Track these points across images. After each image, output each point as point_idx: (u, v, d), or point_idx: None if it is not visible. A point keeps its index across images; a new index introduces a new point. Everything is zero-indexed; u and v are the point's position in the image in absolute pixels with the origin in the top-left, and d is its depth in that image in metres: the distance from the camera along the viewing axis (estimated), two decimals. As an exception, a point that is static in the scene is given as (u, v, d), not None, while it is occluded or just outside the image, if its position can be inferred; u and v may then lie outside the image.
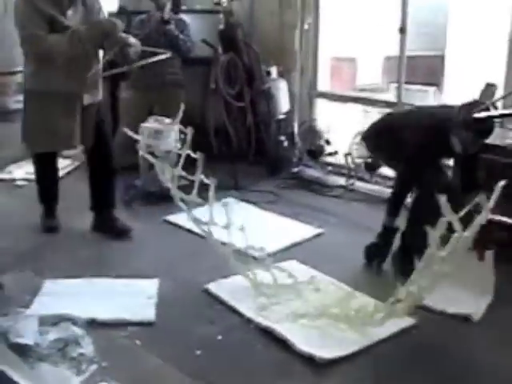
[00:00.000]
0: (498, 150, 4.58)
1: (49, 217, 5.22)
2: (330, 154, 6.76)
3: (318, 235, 5.05)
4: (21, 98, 8.98)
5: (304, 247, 4.84)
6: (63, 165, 7.00)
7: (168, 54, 5.50)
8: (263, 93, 6.65)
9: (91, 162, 5.13)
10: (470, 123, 3.95)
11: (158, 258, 4.63)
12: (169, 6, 6.31)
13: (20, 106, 7.33)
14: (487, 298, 3.94)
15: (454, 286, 3.97)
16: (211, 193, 4.04)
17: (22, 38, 4.53)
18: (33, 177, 5.47)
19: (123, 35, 4.66)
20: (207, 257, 4.31)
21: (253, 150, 6.71)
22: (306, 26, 6.78)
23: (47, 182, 5.22)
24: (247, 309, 3.79)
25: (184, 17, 6.67)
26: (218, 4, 6.81)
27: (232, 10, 6.81)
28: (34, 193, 5.27)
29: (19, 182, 6.52)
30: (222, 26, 6.75)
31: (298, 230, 5.13)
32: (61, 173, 6.72)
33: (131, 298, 3.88)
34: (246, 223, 5.11)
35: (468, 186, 4.25)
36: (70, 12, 4.54)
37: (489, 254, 4.10)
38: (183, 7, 7.07)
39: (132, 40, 4.71)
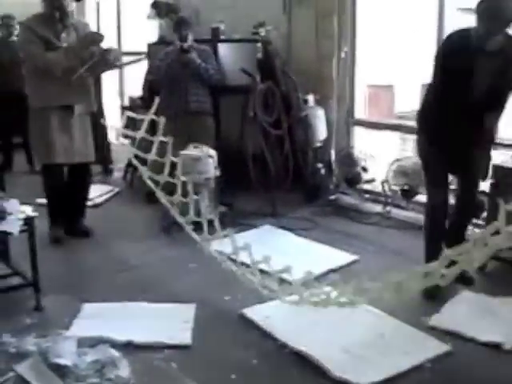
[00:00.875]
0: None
1: (55, 227, 5.61)
2: (367, 182, 6.76)
3: (354, 262, 5.06)
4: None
5: (340, 274, 4.84)
6: (103, 191, 7.16)
7: (142, 57, 6.22)
8: (300, 121, 6.70)
9: (72, 173, 5.67)
10: None
11: (195, 283, 4.68)
12: (190, 36, 6.44)
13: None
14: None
15: (484, 313, 4.00)
16: (217, 227, 4.27)
17: (24, 57, 5.50)
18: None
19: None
20: (243, 283, 4.35)
21: (290, 177, 6.75)
22: (342, 55, 6.84)
23: (54, 194, 5.57)
24: (282, 334, 3.81)
25: (221, 46, 6.85)
26: (257, 33, 6.93)
27: (270, 40, 6.91)
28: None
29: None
30: (260, 55, 6.84)
31: (333, 257, 5.14)
32: (100, 199, 6.91)
33: (168, 322, 3.95)
34: (283, 250, 5.23)
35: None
36: (63, 35, 5.33)
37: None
38: (222, 37, 7.20)
39: (112, 47, 5.52)
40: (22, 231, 4.07)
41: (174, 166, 4.40)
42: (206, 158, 5.85)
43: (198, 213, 4.50)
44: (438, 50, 4.37)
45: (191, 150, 5.90)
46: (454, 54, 4.10)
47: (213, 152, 5.89)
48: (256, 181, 6.57)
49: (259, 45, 6.86)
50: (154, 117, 4.26)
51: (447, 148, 4.32)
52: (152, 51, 7.37)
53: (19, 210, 4.15)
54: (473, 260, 3.25)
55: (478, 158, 4.44)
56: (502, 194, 4.67)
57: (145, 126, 4.31)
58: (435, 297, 4.29)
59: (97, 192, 6.95)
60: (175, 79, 6.37)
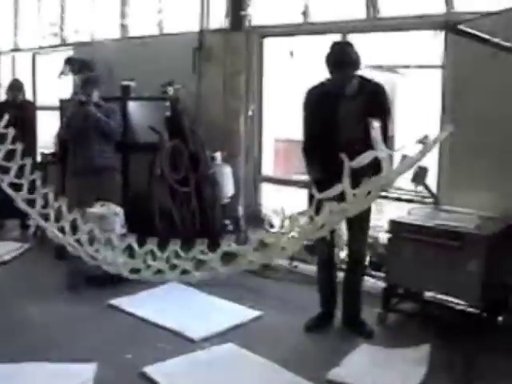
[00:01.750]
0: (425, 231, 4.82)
1: None
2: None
3: (258, 318, 5.15)
4: None
5: (243, 330, 4.93)
6: (12, 247, 7.07)
7: None
8: (208, 178, 6.84)
9: None
10: None
11: (99, 341, 4.66)
12: (96, 93, 6.53)
13: None
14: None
15: (383, 366, 4.16)
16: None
17: None
18: None
19: None
20: (147, 340, 4.39)
21: (197, 233, 6.82)
22: (250, 112, 7.04)
23: None
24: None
25: (131, 103, 6.98)
26: (165, 92, 7.08)
27: (178, 98, 7.06)
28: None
29: None
30: (168, 113, 6.97)
31: (237, 313, 5.22)
32: (8, 256, 6.82)
33: (66, 383, 3.92)
34: (187, 306, 5.30)
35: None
36: None
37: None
38: (132, 94, 7.31)
39: None
40: None
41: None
42: (112, 215, 5.89)
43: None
44: (302, 101, 4.72)
45: (97, 208, 5.94)
46: (314, 103, 4.61)
47: (119, 209, 5.95)
48: (163, 236, 6.60)
49: (168, 103, 7.00)
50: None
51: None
52: (65, 107, 7.39)
53: None
54: (285, 248, 3.11)
55: None
56: (397, 248, 4.95)
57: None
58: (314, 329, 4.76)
59: (4, 249, 6.87)
60: (78, 133, 6.42)
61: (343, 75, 4.43)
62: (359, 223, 4.63)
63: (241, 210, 7.18)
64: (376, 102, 4.52)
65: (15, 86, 7.96)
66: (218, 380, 4.03)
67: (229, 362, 4.30)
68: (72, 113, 6.49)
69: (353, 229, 4.75)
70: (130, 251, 3.30)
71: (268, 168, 7.38)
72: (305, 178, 7.65)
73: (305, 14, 6.49)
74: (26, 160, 3.45)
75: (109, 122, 6.45)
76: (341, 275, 5.26)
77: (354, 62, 4.45)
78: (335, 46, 4.54)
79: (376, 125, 2.89)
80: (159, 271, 3.27)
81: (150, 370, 4.12)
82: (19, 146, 3.45)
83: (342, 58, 4.40)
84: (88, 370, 4.10)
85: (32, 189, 3.50)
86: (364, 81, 4.58)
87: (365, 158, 2.62)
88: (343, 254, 6.09)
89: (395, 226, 5.00)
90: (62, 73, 8.47)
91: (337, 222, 3.08)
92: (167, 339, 4.68)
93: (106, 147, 6.50)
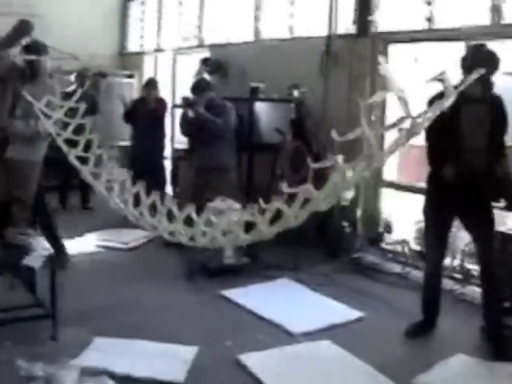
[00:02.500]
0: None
1: None
2: (391, 242, 6.95)
3: (359, 319, 5.24)
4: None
5: (344, 329, 5.04)
6: (139, 235, 7.53)
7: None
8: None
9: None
10: None
11: (204, 327, 4.96)
12: (207, 93, 6.84)
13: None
14: None
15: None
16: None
17: None
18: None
19: None
20: (249, 330, 4.63)
21: (314, 233, 6.99)
22: (373, 117, 7.10)
23: None
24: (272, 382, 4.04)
25: (258, 104, 7.26)
26: (291, 94, 7.30)
27: (303, 101, 7.26)
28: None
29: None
30: (293, 115, 7.19)
31: (339, 312, 5.34)
32: (136, 243, 7.30)
33: (168, 360, 4.23)
34: (293, 302, 5.49)
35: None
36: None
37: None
38: (261, 96, 7.60)
39: None
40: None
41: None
42: (230, 211, 6.17)
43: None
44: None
45: (217, 203, 6.25)
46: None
47: (237, 205, 6.22)
48: (281, 235, 6.82)
49: (293, 105, 7.22)
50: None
51: (453, 203, 4.53)
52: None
53: (43, 248, 4.54)
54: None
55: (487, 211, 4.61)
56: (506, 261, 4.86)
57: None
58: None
59: (132, 236, 7.36)
60: (193, 132, 6.81)
61: (482, 78, 4.25)
62: (484, 233, 4.59)
63: (359, 213, 7.26)
64: (498, 111, 4.47)
65: (150, 84, 8.48)
66: (309, 374, 4.17)
67: (323, 358, 4.42)
68: (183, 113, 6.89)
69: (479, 240, 4.68)
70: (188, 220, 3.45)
71: (390, 173, 7.40)
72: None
73: (429, 20, 6.49)
74: (94, 135, 3.81)
75: (215, 120, 6.68)
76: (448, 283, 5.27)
77: (494, 65, 4.29)
78: (475, 48, 4.47)
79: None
80: (214, 238, 3.45)
81: (245, 357, 4.33)
82: (88, 122, 3.91)
83: (483, 60, 4.16)
84: (188, 352, 4.38)
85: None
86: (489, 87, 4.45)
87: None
88: (454, 262, 6.08)
89: (504, 238, 4.94)
90: (199, 73, 8.91)
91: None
92: (268, 331, 4.89)
93: (221, 145, 6.78)
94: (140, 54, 12.11)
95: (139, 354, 4.33)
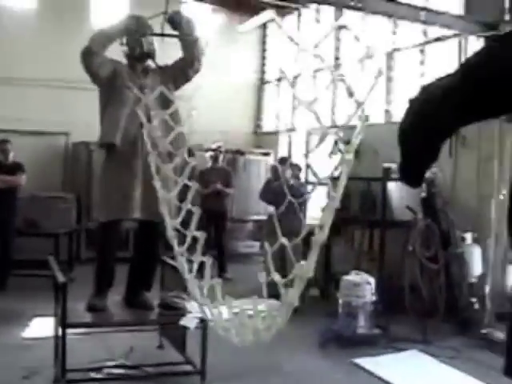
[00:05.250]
0: None
1: (98, 296, 5.31)
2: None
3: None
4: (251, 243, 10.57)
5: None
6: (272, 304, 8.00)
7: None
8: (457, 257, 7.25)
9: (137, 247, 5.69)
10: None
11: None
12: (288, 171, 7.99)
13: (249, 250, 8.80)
14: None
15: None
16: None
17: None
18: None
19: None
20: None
21: (443, 308, 7.22)
22: (501, 197, 7.35)
23: (104, 258, 5.40)
24: None
25: (390, 184, 7.69)
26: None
27: (434, 180, 7.63)
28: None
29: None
30: (423, 194, 7.55)
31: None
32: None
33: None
34: (423, 374, 5.75)
35: None
36: (147, 81, 5.29)
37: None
38: (393, 175, 8.00)
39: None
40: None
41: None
42: (365, 283, 6.59)
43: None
44: None
45: (352, 276, 6.69)
46: None
47: (371, 279, 6.62)
48: (410, 308, 7.13)
49: (424, 185, 7.58)
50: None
51: None
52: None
53: (197, 310, 5.11)
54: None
55: None
56: None
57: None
58: None
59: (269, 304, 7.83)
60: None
61: None
62: None
63: (487, 289, 7.43)
64: None
65: (282, 163, 9.14)
66: None
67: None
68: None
69: None
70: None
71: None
72: None
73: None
74: (200, 233, 3.48)
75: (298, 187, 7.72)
76: None
77: None
78: None
79: None
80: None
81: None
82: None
83: None
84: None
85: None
86: None
87: None
88: None
89: None
90: (332, 152, 9.43)
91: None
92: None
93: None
94: (275, 133, 12.90)
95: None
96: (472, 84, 1.44)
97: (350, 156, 2.97)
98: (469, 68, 1.50)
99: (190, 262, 3.56)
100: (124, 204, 5.16)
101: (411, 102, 1.61)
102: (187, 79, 5.41)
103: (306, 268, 3.17)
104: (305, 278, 3.17)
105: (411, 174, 1.55)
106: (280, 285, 3.25)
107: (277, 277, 3.27)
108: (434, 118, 1.53)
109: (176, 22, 5.30)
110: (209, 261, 3.38)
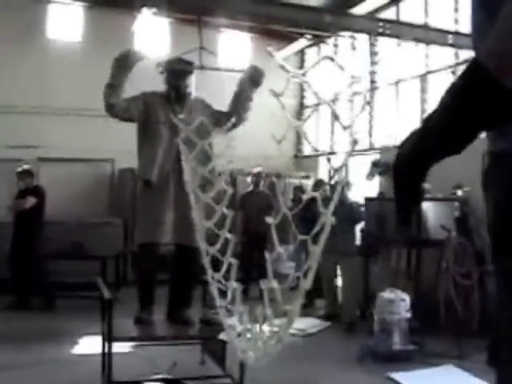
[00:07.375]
0: None
1: (144, 311, 5.60)
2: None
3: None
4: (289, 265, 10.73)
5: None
6: (314, 323, 8.27)
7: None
8: (491, 273, 7.39)
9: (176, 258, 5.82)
10: None
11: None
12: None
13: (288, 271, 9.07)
14: None
15: None
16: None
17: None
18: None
19: None
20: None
21: (477, 323, 7.34)
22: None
23: (146, 277, 5.77)
24: None
25: (425, 203, 7.89)
26: (455, 194, 7.87)
27: (467, 200, 7.80)
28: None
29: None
30: (457, 214, 7.73)
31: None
32: (312, 330, 8.04)
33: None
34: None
35: None
36: (182, 115, 5.19)
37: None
38: (427, 195, 8.20)
39: None
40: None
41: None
42: (399, 301, 6.78)
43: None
44: None
45: (387, 293, 6.88)
46: None
47: (405, 296, 6.80)
48: (445, 324, 7.28)
49: (457, 204, 7.77)
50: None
51: None
52: (368, 204, 8.60)
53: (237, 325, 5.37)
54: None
55: None
56: None
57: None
58: None
59: (310, 324, 8.14)
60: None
61: None
62: None
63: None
64: None
65: (317, 186, 9.18)
66: None
67: None
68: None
69: None
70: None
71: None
72: None
73: None
74: (233, 260, 3.30)
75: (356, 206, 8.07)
76: None
77: None
78: None
79: None
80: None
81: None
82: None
83: None
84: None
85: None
86: None
87: None
88: None
89: None
90: (370, 174, 9.67)
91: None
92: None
93: (350, 235, 7.71)
94: (314, 157, 13.17)
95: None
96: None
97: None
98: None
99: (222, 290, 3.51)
100: (156, 229, 5.56)
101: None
102: (225, 132, 5.32)
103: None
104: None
105: (398, 209, 1.56)
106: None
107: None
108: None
109: (258, 80, 5.63)
110: (239, 288, 3.38)
